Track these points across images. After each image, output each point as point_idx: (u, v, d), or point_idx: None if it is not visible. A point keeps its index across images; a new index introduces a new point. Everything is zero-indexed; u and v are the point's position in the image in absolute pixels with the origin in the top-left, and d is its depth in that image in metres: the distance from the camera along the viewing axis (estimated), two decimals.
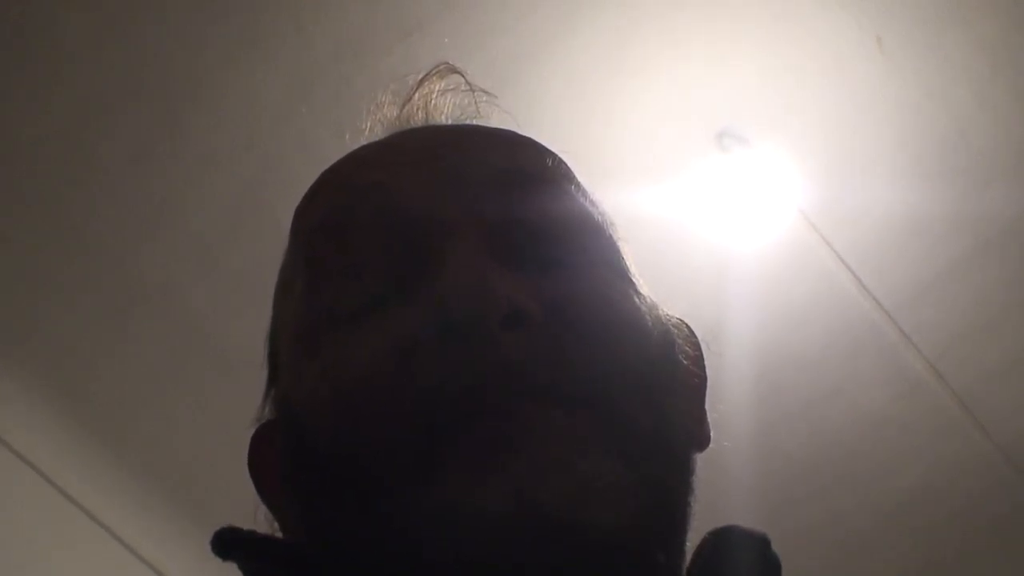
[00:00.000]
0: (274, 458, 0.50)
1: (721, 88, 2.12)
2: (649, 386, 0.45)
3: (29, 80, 2.00)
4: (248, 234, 2.17)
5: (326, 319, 0.47)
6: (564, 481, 0.40)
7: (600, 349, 0.44)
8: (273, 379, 0.53)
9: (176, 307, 2.30)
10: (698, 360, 0.53)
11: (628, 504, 0.41)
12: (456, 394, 0.41)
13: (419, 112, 0.56)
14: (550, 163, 0.51)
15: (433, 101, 0.56)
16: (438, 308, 0.43)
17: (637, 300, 0.48)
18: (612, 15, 2.01)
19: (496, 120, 0.56)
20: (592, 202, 0.52)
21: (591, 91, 2.10)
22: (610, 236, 0.51)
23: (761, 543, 0.47)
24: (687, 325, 0.53)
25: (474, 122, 0.56)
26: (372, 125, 0.56)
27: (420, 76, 0.57)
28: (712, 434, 0.52)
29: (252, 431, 0.53)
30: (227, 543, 0.46)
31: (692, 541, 0.46)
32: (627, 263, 0.51)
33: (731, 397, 2.38)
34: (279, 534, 0.51)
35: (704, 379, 0.54)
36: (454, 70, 0.58)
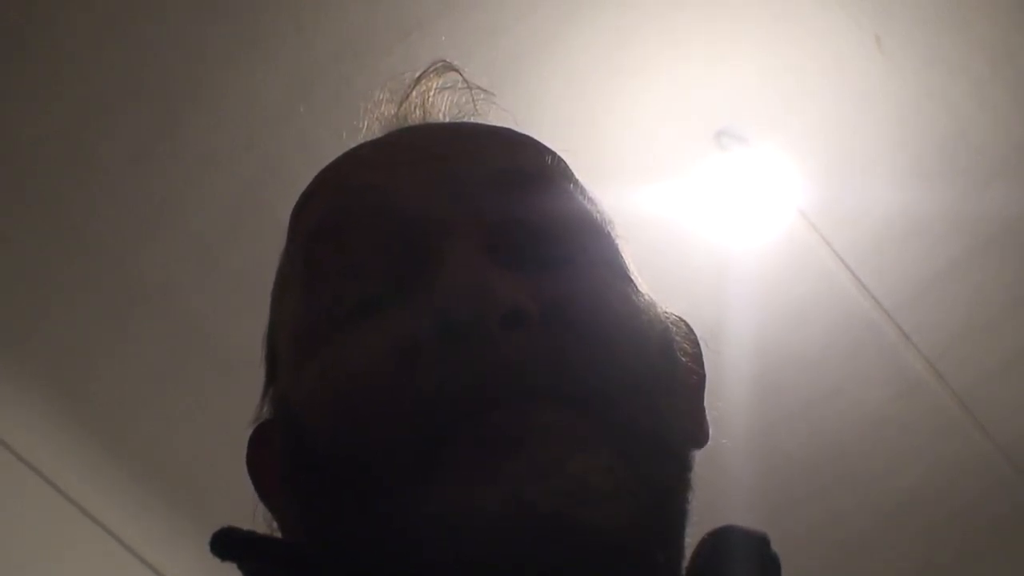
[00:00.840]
0: (273, 458, 0.50)
1: (721, 88, 2.12)
2: (648, 386, 0.45)
3: (29, 80, 2.00)
4: (248, 234, 2.17)
5: (325, 319, 0.47)
6: (563, 481, 0.40)
7: (599, 349, 0.44)
8: (271, 379, 0.52)
9: (176, 307, 2.30)
10: (697, 358, 0.53)
11: (627, 504, 0.41)
12: (456, 394, 0.41)
13: (417, 110, 0.56)
14: (549, 162, 0.51)
15: (431, 99, 0.56)
16: (437, 308, 0.42)
17: (636, 300, 0.48)
18: (612, 15, 2.01)
19: (494, 118, 0.55)
20: (591, 201, 0.52)
21: (591, 91, 2.10)
22: (609, 235, 0.51)
23: (760, 543, 0.47)
24: (685, 323, 0.53)
25: (472, 120, 0.56)
26: (370, 123, 0.56)
27: (417, 74, 0.57)
28: (711, 432, 0.52)
29: (250, 431, 0.54)
30: (226, 543, 0.46)
31: (691, 541, 0.46)
32: (626, 262, 0.51)
33: (731, 397, 2.38)
34: (278, 534, 0.51)
35: (703, 376, 0.54)
36: (452, 68, 0.57)
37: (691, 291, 2.27)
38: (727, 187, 2.24)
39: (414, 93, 0.56)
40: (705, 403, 0.53)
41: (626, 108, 2.13)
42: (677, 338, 0.50)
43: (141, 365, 2.38)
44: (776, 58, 2.08)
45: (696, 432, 0.51)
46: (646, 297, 0.50)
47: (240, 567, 0.47)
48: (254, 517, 0.52)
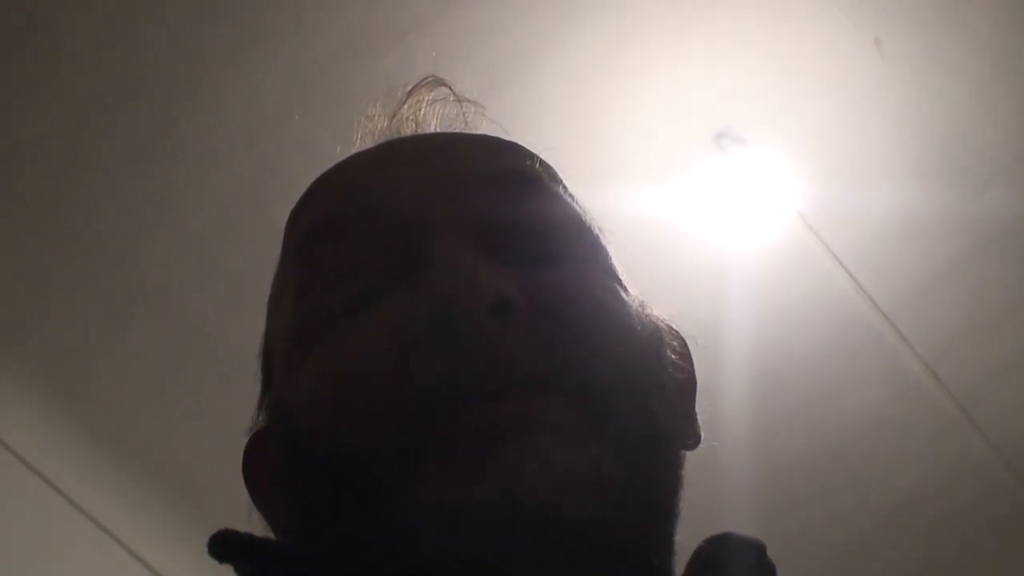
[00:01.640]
0: (269, 465, 0.50)
1: (720, 89, 2.12)
2: (636, 380, 0.45)
3: (29, 80, 2.00)
4: (248, 234, 2.17)
5: (319, 319, 0.47)
6: (550, 473, 0.40)
7: (588, 342, 0.45)
8: (267, 389, 0.53)
9: (176, 307, 2.30)
10: (686, 359, 0.54)
11: (615, 496, 0.41)
12: (455, 390, 0.42)
13: (409, 122, 0.57)
14: (536, 165, 0.53)
15: (422, 112, 0.58)
16: (427, 297, 0.43)
17: (625, 296, 0.49)
18: (612, 15, 2.01)
19: (484, 129, 0.57)
20: (578, 203, 0.53)
21: (590, 91, 2.10)
22: (596, 237, 0.52)
23: (757, 550, 0.48)
24: (674, 327, 0.54)
25: (462, 131, 0.57)
26: (363, 136, 0.58)
27: (408, 88, 0.59)
28: (703, 434, 0.53)
29: (246, 441, 0.54)
30: (224, 545, 0.46)
31: (688, 547, 0.46)
32: (614, 263, 0.52)
33: (730, 397, 2.39)
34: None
35: (693, 378, 0.54)
36: (442, 82, 0.59)
37: (690, 292, 2.27)
38: (726, 188, 2.24)
39: (406, 106, 0.58)
40: (697, 406, 0.53)
41: (626, 109, 2.13)
42: (666, 338, 0.51)
43: (141, 365, 2.38)
44: (775, 60, 2.09)
45: (686, 431, 0.51)
46: (635, 297, 0.50)
47: (236, 568, 0.47)
48: (250, 519, 0.52)
